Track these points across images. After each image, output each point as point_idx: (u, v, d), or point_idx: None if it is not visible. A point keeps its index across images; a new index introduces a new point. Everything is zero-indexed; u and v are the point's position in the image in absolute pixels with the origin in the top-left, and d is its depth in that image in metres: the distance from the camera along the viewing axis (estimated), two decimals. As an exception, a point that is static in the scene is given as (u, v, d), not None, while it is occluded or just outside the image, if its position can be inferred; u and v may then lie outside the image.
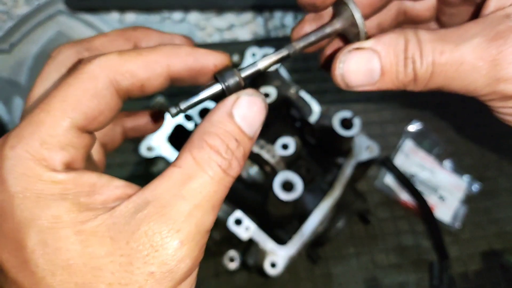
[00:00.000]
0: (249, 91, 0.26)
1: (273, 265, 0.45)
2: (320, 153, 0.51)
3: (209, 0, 0.71)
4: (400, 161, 0.61)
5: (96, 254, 0.22)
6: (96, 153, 0.33)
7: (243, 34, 0.70)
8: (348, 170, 0.49)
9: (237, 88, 0.26)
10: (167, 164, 0.48)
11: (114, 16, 0.71)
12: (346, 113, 0.46)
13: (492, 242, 0.59)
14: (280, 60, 0.27)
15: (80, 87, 0.24)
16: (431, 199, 0.59)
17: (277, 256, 0.45)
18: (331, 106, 0.64)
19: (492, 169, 0.62)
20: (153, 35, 0.31)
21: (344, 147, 0.49)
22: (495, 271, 0.57)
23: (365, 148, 0.50)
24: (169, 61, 0.26)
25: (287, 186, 0.42)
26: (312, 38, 0.28)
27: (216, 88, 0.26)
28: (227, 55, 0.28)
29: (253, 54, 0.51)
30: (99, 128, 0.25)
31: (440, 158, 0.62)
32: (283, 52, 0.27)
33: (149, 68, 0.25)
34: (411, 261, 0.57)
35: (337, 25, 0.29)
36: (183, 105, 0.26)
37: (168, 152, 0.48)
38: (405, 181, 0.59)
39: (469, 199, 0.60)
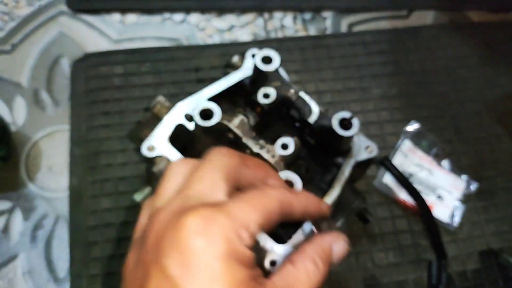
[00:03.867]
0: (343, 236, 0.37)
1: (273, 263, 0.46)
2: (319, 153, 0.52)
3: (209, 2, 0.71)
4: (398, 160, 0.62)
5: None
6: None
7: (243, 35, 0.71)
8: (347, 170, 0.49)
9: None
10: (168, 163, 0.48)
11: (115, 17, 0.71)
12: (345, 114, 0.46)
13: (490, 241, 0.59)
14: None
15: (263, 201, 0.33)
16: (430, 199, 0.60)
17: (277, 255, 0.46)
18: (330, 106, 0.65)
19: (490, 169, 0.63)
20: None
21: (343, 147, 0.50)
22: (493, 270, 0.58)
23: (364, 148, 0.50)
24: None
25: (287, 185, 0.42)
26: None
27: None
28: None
29: (253, 55, 0.52)
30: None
31: (438, 158, 0.62)
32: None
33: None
34: (409, 260, 0.58)
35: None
36: None
37: (169, 152, 0.48)
38: (404, 180, 0.60)
39: (467, 199, 0.60)
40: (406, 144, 0.63)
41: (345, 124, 0.46)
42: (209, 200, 0.32)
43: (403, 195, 0.60)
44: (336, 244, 0.36)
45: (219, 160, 0.34)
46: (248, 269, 0.30)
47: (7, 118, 0.63)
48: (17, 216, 0.59)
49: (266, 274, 0.47)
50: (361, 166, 0.52)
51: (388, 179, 0.61)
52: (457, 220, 0.59)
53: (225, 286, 0.28)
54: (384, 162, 0.61)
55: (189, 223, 0.29)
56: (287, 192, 0.35)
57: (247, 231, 0.30)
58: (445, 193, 0.60)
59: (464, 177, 0.61)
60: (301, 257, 0.34)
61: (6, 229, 0.58)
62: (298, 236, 0.46)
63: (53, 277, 0.56)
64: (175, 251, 0.28)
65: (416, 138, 0.63)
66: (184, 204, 0.31)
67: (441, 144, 0.63)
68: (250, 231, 0.30)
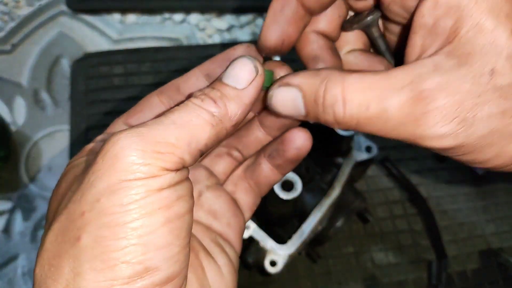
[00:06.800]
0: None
1: (273, 263, 0.46)
2: (319, 153, 0.52)
3: (209, 2, 0.71)
4: None
5: None
6: None
7: (243, 35, 0.71)
8: (347, 170, 0.49)
9: None
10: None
11: (115, 17, 0.71)
12: (345, 113, 0.46)
13: (490, 241, 0.59)
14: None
15: None
16: None
17: (277, 255, 0.46)
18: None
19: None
20: None
21: (343, 147, 0.50)
22: (493, 270, 0.58)
23: (364, 148, 0.50)
24: None
25: (287, 185, 0.42)
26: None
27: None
28: None
29: (253, 55, 0.52)
30: None
31: None
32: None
33: None
34: (409, 260, 0.58)
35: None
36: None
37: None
38: (404, 180, 0.60)
39: None
40: None
41: (345, 124, 0.46)
42: None
43: None
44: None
45: None
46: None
47: (7, 118, 0.63)
48: (17, 216, 0.59)
49: (266, 274, 0.47)
50: (361, 166, 0.52)
51: None
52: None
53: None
54: (384, 162, 0.61)
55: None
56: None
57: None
58: None
59: None
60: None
61: (6, 229, 0.58)
62: (298, 236, 0.47)
63: (53, 277, 0.56)
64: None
65: None
66: None
67: None
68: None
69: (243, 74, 0.27)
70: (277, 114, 0.30)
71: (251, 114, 0.34)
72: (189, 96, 0.27)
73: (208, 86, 0.27)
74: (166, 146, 0.23)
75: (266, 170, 0.34)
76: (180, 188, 0.24)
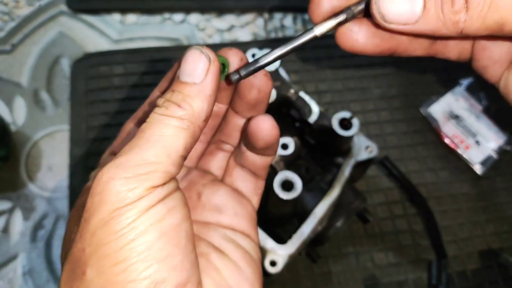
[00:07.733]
0: None
1: (273, 263, 0.46)
2: (319, 153, 0.52)
3: (209, 2, 0.71)
4: (447, 100, 0.65)
5: None
6: None
7: (243, 35, 0.71)
8: (347, 170, 0.49)
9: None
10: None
11: (115, 17, 0.71)
12: (345, 113, 0.47)
13: (490, 241, 0.59)
14: (338, 25, 0.28)
15: None
16: (468, 141, 0.62)
17: (277, 255, 0.46)
18: (330, 106, 0.65)
19: (491, 168, 0.63)
20: None
21: (343, 147, 0.50)
22: (493, 270, 0.58)
23: (364, 148, 0.50)
24: None
25: (287, 185, 0.42)
26: None
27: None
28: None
29: (253, 55, 0.52)
30: None
31: (487, 110, 0.65)
32: (340, 17, 0.27)
33: None
34: (409, 260, 0.58)
35: None
36: (243, 71, 0.28)
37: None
38: (404, 180, 0.60)
39: (502, 153, 0.63)
40: (459, 90, 0.66)
41: (345, 124, 0.46)
42: None
43: (447, 129, 0.63)
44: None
45: None
46: None
47: (7, 118, 0.63)
48: (17, 216, 0.59)
49: (266, 274, 0.47)
50: (361, 166, 0.52)
51: (434, 109, 0.64)
52: (486, 167, 0.62)
53: None
54: (384, 162, 0.61)
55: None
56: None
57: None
58: (484, 140, 0.63)
59: (507, 133, 0.64)
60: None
61: (6, 229, 0.58)
62: (298, 236, 0.47)
63: (53, 277, 0.56)
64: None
65: (468, 89, 0.66)
66: None
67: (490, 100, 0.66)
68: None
69: (197, 66, 0.26)
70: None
71: (224, 107, 0.34)
72: (154, 106, 0.27)
73: (168, 90, 0.27)
74: (147, 166, 0.24)
75: (251, 156, 0.34)
76: (170, 200, 0.25)
